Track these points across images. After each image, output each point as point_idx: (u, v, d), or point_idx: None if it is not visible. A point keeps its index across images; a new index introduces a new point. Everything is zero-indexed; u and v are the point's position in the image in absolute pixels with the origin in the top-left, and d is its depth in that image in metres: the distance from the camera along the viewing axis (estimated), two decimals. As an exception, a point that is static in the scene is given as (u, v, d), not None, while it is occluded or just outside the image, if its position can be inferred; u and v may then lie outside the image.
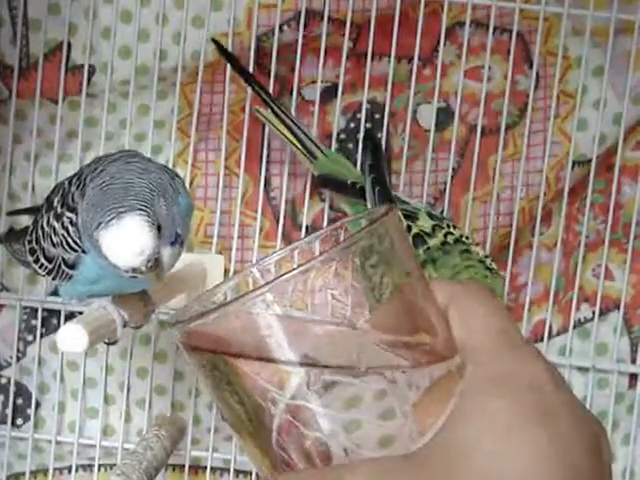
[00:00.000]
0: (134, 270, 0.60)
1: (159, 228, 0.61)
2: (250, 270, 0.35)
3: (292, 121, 0.83)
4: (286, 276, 0.30)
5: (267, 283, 0.31)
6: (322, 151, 0.83)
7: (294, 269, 0.30)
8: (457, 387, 0.32)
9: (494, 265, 0.74)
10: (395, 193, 0.83)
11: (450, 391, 0.32)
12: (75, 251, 0.65)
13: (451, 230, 0.75)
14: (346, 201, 0.82)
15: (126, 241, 0.59)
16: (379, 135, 0.88)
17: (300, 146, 0.83)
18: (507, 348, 0.32)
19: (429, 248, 0.73)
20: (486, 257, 0.74)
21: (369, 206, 0.78)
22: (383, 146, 0.88)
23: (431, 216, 0.77)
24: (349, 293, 0.31)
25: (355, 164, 0.87)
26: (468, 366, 0.32)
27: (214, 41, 0.84)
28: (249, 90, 0.86)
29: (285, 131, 0.83)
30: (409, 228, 0.74)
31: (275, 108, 0.83)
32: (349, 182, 0.81)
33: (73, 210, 0.64)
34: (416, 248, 0.72)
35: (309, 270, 0.30)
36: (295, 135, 0.83)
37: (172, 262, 0.64)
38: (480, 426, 0.30)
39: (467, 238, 0.76)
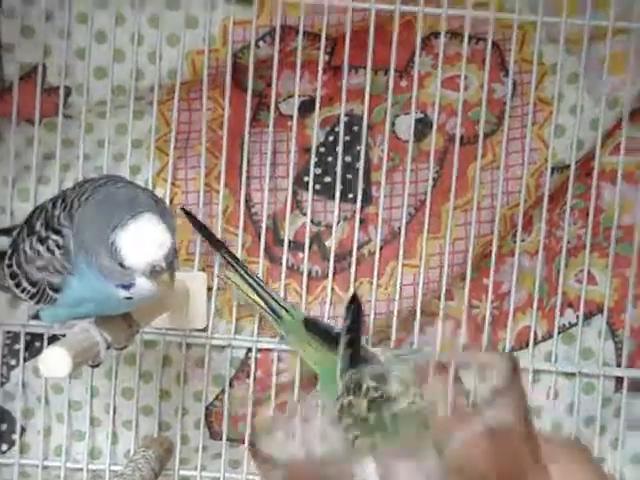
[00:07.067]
0: (153, 269, 0.60)
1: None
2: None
3: (259, 285, 0.85)
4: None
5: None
6: (288, 312, 0.84)
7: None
8: None
9: None
10: (370, 351, 0.80)
11: None
12: (61, 274, 0.64)
13: (416, 399, 0.73)
14: (325, 353, 0.80)
15: (147, 236, 0.60)
16: (358, 148, 0.88)
17: (267, 308, 0.84)
18: None
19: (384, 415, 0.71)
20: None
21: (338, 364, 0.75)
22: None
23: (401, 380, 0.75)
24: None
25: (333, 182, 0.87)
26: None
27: (183, 210, 0.86)
28: (227, 107, 0.86)
29: (252, 294, 0.84)
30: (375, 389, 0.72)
31: (242, 272, 0.85)
32: (334, 332, 0.80)
33: (58, 232, 0.64)
34: (373, 412, 0.70)
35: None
36: (262, 298, 0.84)
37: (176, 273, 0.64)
38: None
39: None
